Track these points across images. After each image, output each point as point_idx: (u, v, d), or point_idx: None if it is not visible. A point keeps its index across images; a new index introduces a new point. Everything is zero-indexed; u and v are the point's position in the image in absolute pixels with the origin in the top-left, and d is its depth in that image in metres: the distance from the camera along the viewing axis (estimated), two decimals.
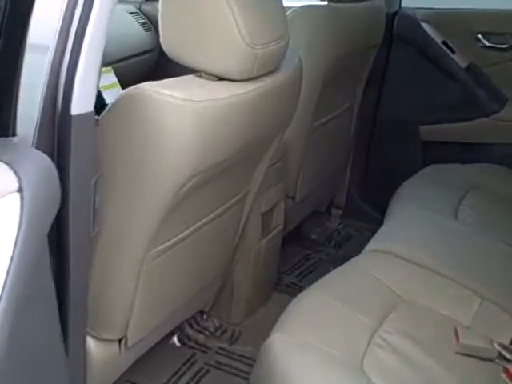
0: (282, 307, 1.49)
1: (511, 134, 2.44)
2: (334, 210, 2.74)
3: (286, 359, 1.30)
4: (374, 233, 2.59)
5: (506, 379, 1.34)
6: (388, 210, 2.11)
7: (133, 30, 2.41)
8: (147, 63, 2.40)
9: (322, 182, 2.40)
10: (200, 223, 1.51)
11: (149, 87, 1.21)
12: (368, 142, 2.65)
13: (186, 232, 1.47)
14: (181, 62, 1.32)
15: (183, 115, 1.20)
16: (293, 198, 2.19)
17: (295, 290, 2.26)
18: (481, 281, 1.64)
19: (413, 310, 1.49)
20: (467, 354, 1.38)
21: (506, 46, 2.40)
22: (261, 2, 1.34)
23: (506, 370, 1.36)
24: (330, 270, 1.68)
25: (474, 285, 1.62)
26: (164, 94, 1.19)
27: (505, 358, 1.39)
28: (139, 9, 2.53)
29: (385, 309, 1.47)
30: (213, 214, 1.56)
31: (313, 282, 2.28)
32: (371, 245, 1.77)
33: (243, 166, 1.60)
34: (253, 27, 1.29)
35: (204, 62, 1.30)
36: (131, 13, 2.47)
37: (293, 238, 2.44)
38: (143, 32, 2.44)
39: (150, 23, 2.47)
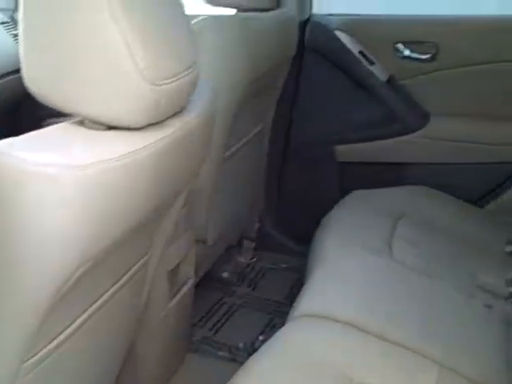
0: (197, 371, 1.20)
1: (435, 153, 2.23)
2: (246, 243, 2.44)
3: None
4: (289, 265, 2.37)
5: None
6: (312, 250, 1.83)
7: (4, 44, 1.99)
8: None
9: (234, 216, 2.09)
10: (92, 309, 1.15)
11: (7, 150, 0.84)
12: (281, 166, 2.36)
13: (75, 324, 1.11)
14: (52, 106, 0.96)
15: (61, 189, 0.85)
16: (203, 242, 1.86)
17: (210, 346, 1.95)
18: (433, 342, 1.39)
19: None
20: None
21: (428, 55, 2.17)
22: (162, 24, 1.00)
23: None
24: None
25: (427, 348, 1.37)
26: (30, 162, 0.83)
27: None
28: (12, 18, 2.11)
29: None
30: (108, 293, 1.20)
31: (230, 334, 2.03)
32: (299, 308, 1.47)
33: (145, 229, 1.26)
34: (154, 58, 0.95)
35: (87, 107, 0.95)
36: (2, 23, 2.06)
37: (202, 279, 2.13)
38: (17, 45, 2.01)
39: None
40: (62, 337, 1.08)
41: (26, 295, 0.91)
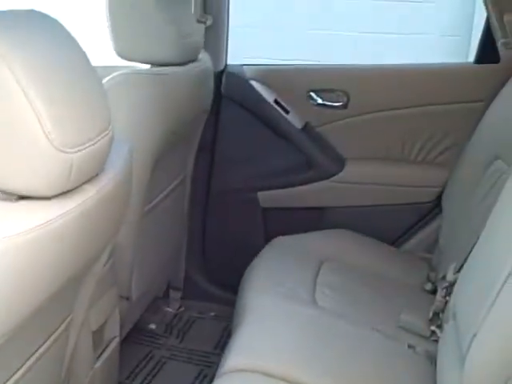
0: None
1: (353, 196, 2.30)
2: (172, 293, 2.41)
3: None
4: (216, 313, 2.37)
5: None
6: (238, 302, 1.83)
7: None
8: None
9: (159, 269, 2.07)
10: (12, 381, 1.11)
11: None
12: (204, 215, 2.37)
13: None
14: None
15: None
16: (127, 299, 1.83)
17: None
18: None
19: None
20: None
21: (340, 103, 2.25)
22: (71, 89, 0.99)
23: None
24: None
25: None
26: None
27: None
28: None
29: None
30: (28, 363, 1.16)
31: None
32: (227, 363, 1.46)
33: (65, 292, 1.23)
34: (64, 125, 0.94)
35: None
36: None
37: (128, 333, 2.09)
38: None
39: None
40: None
41: None
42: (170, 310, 2.41)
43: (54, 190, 0.96)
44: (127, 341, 2.04)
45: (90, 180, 1.06)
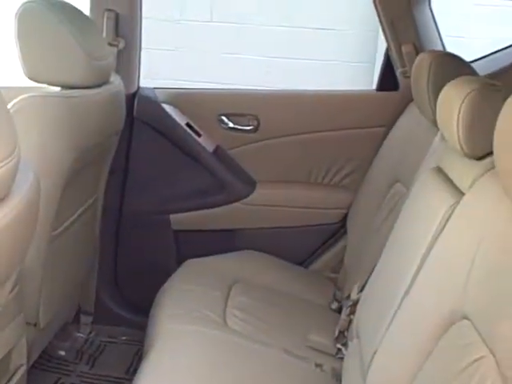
0: None
1: (263, 218, 2.35)
2: (83, 318, 2.37)
3: None
4: (128, 337, 2.35)
5: None
6: (149, 327, 1.84)
7: None
8: None
9: (68, 294, 2.04)
10: None
11: None
12: (115, 238, 2.36)
13: None
14: None
15: None
16: (35, 325, 1.79)
17: None
18: None
19: None
20: None
21: (251, 127, 2.31)
22: None
23: None
24: None
25: None
26: None
27: None
28: None
29: None
30: None
31: None
32: None
33: None
34: None
35: None
36: None
37: (37, 360, 2.04)
38: None
39: None
40: None
41: None
42: (80, 335, 2.37)
43: None
44: (35, 368, 2.00)
45: None
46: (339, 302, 2.06)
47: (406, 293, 1.29)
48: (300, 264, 2.35)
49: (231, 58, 4.15)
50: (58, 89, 1.85)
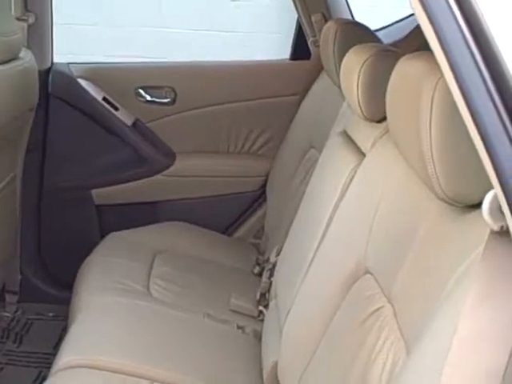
0: None
1: (184, 189, 2.39)
2: (8, 297, 2.36)
3: None
4: (56, 313, 2.35)
5: None
6: (72, 300, 1.86)
7: None
8: None
9: None
10: None
11: None
12: (37, 215, 2.34)
13: None
14: None
15: None
16: None
17: None
18: (190, 372, 1.51)
19: None
20: None
21: (168, 99, 2.33)
22: None
23: None
24: None
25: (185, 381, 1.48)
26: None
27: None
28: None
29: None
30: None
31: None
32: (61, 360, 1.48)
33: None
34: None
35: None
36: None
37: None
38: None
39: None
40: None
41: None
42: (6, 314, 2.35)
43: None
44: None
45: None
46: (261, 266, 2.13)
47: (316, 251, 1.36)
48: (223, 232, 2.40)
49: (152, 31, 4.12)
50: None
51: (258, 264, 2.16)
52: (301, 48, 2.32)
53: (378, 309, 1.07)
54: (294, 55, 2.38)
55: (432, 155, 0.85)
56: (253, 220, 2.41)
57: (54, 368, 1.46)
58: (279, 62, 2.46)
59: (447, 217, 0.93)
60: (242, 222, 2.42)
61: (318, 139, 1.96)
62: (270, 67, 2.41)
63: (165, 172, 2.35)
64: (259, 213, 2.39)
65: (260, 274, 2.07)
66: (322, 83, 2.14)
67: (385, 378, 0.92)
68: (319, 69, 2.15)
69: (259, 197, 2.40)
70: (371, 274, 1.15)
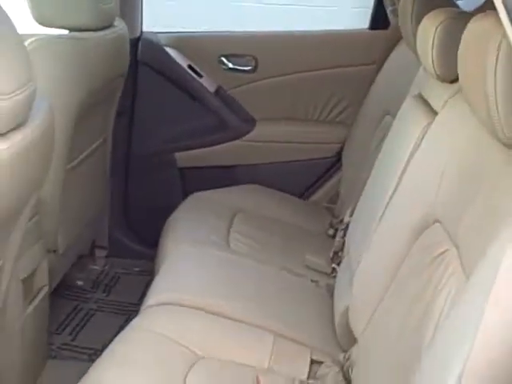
0: (59, 376, 1.29)
1: (264, 154, 2.49)
2: (97, 251, 2.55)
3: None
4: (141, 269, 2.52)
5: None
6: (158, 251, 2.00)
7: None
8: None
9: (83, 225, 2.20)
10: None
11: None
12: (125, 176, 2.51)
13: None
14: None
15: None
16: (54, 252, 1.96)
17: (70, 351, 2.05)
18: (269, 315, 1.62)
19: (211, 366, 1.40)
20: None
21: (249, 67, 2.43)
22: None
23: None
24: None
25: (264, 321, 1.59)
26: None
27: None
28: None
29: (183, 371, 1.36)
30: None
31: (88, 337, 2.14)
32: (152, 298, 1.63)
33: None
34: None
35: None
36: None
37: (56, 288, 2.21)
38: None
39: None
40: None
41: None
42: (96, 267, 2.54)
43: None
44: (56, 296, 2.16)
45: (15, 128, 1.19)
46: (335, 228, 2.21)
47: (387, 204, 1.44)
48: (299, 197, 2.50)
49: (233, 5, 4.23)
50: (66, 32, 1.97)
51: (332, 226, 2.24)
52: (380, 18, 2.37)
53: (443, 252, 1.13)
54: (373, 25, 2.42)
55: (496, 99, 0.91)
56: (328, 185, 2.49)
57: (143, 306, 1.61)
58: (358, 32, 2.51)
59: None
60: (318, 186, 2.50)
61: (394, 106, 2.00)
62: (349, 37, 2.47)
63: (245, 137, 2.46)
64: (335, 178, 2.47)
65: (334, 236, 2.15)
66: (399, 52, 2.19)
67: (446, 308, 0.99)
68: (397, 38, 2.19)
69: (335, 163, 2.47)
70: (440, 222, 1.21)
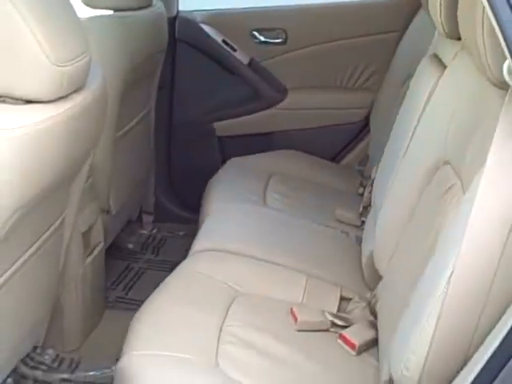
0: (116, 324, 1.49)
1: (296, 121, 2.66)
2: (145, 217, 2.76)
3: (143, 376, 1.32)
4: (186, 232, 2.71)
5: (343, 344, 1.49)
6: (201, 209, 2.19)
7: None
8: None
9: (132, 190, 2.41)
10: (24, 257, 1.44)
11: None
12: (168, 145, 2.70)
13: (13, 268, 1.39)
14: None
15: (1, 147, 1.15)
16: (107, 212, 2.17)
17: (125, 303, 2.25)
18: (302, 259, 1.79)
19: (250, 301, 1.58)
20: (306, 329, 1.51)
21: (280, 40, 2.59)
22: (58, 16, 1.30)
23: (341, 336, 1.51)
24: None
25: (298, 264, 1.77)
26: None
27: (337, 325, 1.55)
28: None
29: (224, 305, 1.54)
30: (36, 246, 1.50)
31: (140, 292, 2.34)
32: (196, 246, 1.83)
33: (58, 189, 1.55)
34: (56, 44, 1.25)
35: (7, 86, 1.24)
36: None
37: (109, 251, 2.42)
38: None
39: None
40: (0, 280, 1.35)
41: None
42: (144, 231, 2.75)
43: (50, 96, 1.27)
44: (109, 257, 2.37)
45: (76, 91, 1.37)
46: (364, 187, 2.36)
47: (405, 151, 1.59)
48: (331, 160, 2.66)
49: None
50: (110, 12, 2.16)
51: (362, 185, 2.39)
52: None
53: (450, 186, 1.28)
54: None
55: (484, 45, 1.06)
56: (358, 148, 2.64)
57: (190, 253, 1.80)
58: (381, 1, 2.63)
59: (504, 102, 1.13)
60: (348, 150, 2.66)
61: (415, 69, 2.15)
62: (372, 5, 2.60)
63: (278, 106, 2.63)
64: (364, 142, 2.62)
65: (363, 194, 2.30)
66: (420, 18, 2.31)
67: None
68: (419, 5, 2.31)
69: (364, 127, 2.62)
70: (449, 163, 1.36)
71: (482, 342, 0.93)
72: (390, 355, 1.19)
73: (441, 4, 1.50)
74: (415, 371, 1.00)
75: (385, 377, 1.21)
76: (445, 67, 1.54)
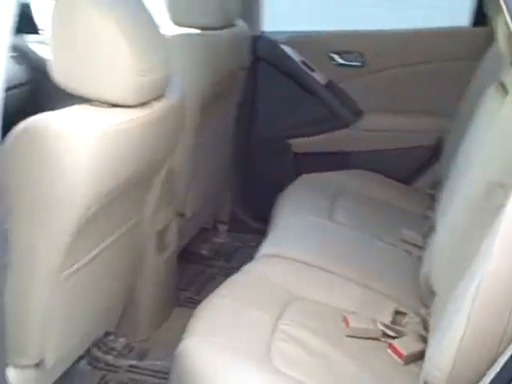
0: (184, 320, 1.60)
1: (369, 142, 2.73)
2: (219, 226, 2.90)
3: (199, 360, 1.43)
4: (257, 243, 2.82)
5: (392, 354, 1.55)
6: (271, 219, 2.30)
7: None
8: (20, 97, 2.42)
9: (207, 198, 2.55)
10: (103, 245, 1.60)
11: (44, 118, 1.30)
12: (245, 159, 2.84)
13: (93, 253, 1.56)
14: (74, 92, 1.42)
15: (85, 144, 1.30)
16: (182, 216, 2.31)
17: (194, 303, 2.35)
18: (362, 272, 1.87)
19: (306, 305, 1.67)
20: (356, 336, 1.58)
21: (358, 63, 2.68)
22: (144, 31, 1.47)
23: (391, 346, 1.57)
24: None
25: (356, 276, 1.84)
26: (61, 124, 1.29)
27: (388, 336, 1.61)
28: None
29: (281, 306, 1.64)
30: (114, 237, 1.65)
31: (209, 294, 2.45)
32: (262, 251, 1.94)
33: (138, 189, 1.71)
34: (140, 55, 1.42)
35: (97, 91, 1.41)
36: None
37: (184, 255, 2.56)
38: (15, 66, 2.44)
39: (22, 56, 2.47)
40: (83, 261, 1.51)
41: (60, 221, 1.36)
42: (218, 239, 2.89)
43: (134, 101, 1.44)
44: (182, 260, 2.51)
45: (156, 98, 1.53)
46: (432, 209, 2.39)
47: (462, 179, 1.64)
48: (403, 182, 2.70)
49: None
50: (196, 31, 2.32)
51: (430, 208, 2.42)
52: (480, 14, 2.53)
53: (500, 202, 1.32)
54: (475, 22, 2.59)
55: None
56: (430, 172, 2.67)
57: (256, 256, 1.91)
58: (460, 29, 2.68)
59: None
60: (420, 173, 2.70)
61: None
62: (450, 33, 2.65)
63: (353, 126, 2.72)
64: (436, 165, 2.65)
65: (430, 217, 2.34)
66: (495, 48, 2.34)
67: None
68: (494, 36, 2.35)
69: (437, 151, 2.66)
70: (502, 186, 1.40)
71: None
72: (427, 360, 1.25)
73: (506, 34, 1.56)
74: (444, 373, 1.06)
75: (421, 381, 1.26)
76: (507, 93, 1.59)
